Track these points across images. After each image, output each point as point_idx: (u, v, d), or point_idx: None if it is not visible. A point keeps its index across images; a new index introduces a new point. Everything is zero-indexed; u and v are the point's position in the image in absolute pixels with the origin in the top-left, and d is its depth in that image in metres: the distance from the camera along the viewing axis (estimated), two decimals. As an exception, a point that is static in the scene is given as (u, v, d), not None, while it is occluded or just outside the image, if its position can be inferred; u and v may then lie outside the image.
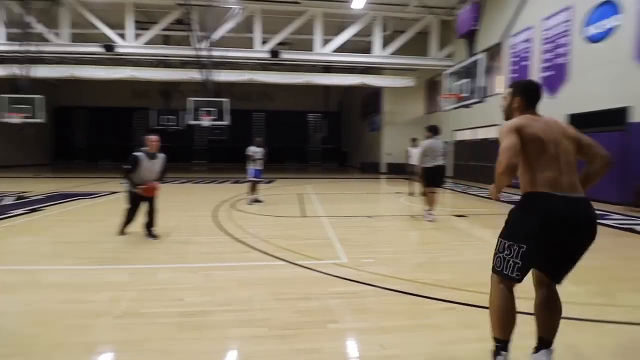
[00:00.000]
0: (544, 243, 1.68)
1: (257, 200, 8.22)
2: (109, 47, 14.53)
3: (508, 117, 1.99)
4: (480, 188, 11.85)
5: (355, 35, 16.87)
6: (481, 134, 13.90)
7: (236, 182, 12.95)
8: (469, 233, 5.54)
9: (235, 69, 15.64)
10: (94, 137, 28.04)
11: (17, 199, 8.25)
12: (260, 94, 29.17)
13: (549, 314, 1.82)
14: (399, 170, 13.82)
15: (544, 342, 1.80)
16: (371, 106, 21.63)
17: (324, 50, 15.04)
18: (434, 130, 6.29)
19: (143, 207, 4.63)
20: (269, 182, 14.00)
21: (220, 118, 14.74)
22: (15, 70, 14.15)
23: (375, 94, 20.48)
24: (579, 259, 1.75)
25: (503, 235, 1.80)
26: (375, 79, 16.11)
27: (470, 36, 8.47)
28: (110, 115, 27.73)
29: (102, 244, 4.45)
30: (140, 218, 4.65)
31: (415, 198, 9.30)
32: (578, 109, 9.18)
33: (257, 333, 2.26)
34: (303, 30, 16.39)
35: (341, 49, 16.75)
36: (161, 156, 4.79)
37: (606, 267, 3.70)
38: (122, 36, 14.60)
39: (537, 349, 1.82)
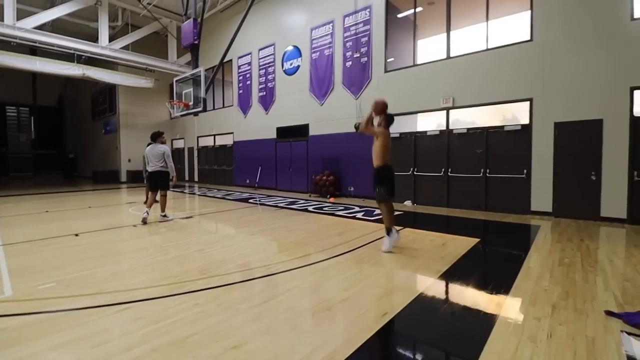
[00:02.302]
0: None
1: None
2: None
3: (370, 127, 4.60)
4: (219, 190, 13.01)
5: (76, 17, 13.94)
6: (219, 141, 15.25)
7: None
8: (185, 233, 5.96)
9: None
10: None
11: None
12: None
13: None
14: (141, 178, 12.67)
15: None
16: (104, 105, 18.54)
17: (22, 25, 11.34)
18: (152, 137, 6.68)
19: None
20: None
21: None
22: None
23: (109, 91, 17.74)
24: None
25: (379, 183, 4.41)
26: (102, 73, 13.92)
27: (193, 49, 9.07)
28: None
29: None
30: None
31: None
32: (282, 124, 12.00)
33: None
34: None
35: (48, 29, 13.32)
36: None
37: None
38: None
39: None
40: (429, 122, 8.67)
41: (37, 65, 12.15)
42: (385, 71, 9.14)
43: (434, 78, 8.27)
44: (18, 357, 2.10)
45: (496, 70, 7.31)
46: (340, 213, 7.39)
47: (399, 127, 9.00)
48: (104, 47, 13.31)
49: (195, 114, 9.06)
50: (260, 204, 8.99)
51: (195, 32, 8.56)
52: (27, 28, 11.41)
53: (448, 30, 8.03)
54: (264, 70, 12.65)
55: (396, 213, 7.35)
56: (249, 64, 13.30)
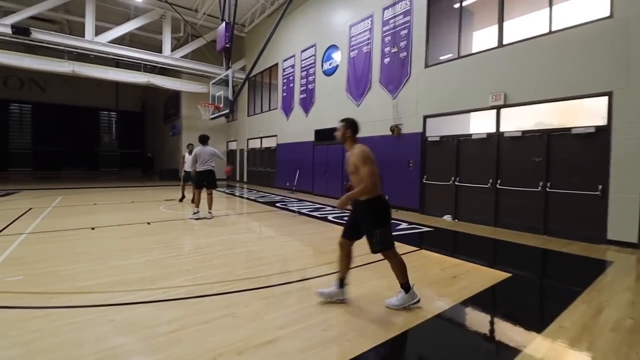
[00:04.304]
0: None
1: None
2: None
3: (342, 142, 2.94)
4: (258, 191, 13.10)
5: (145, 30, 15.53)
6: (265, 143, 15.46)
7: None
8: (192, 234, 5.85)
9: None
10: None
11: None
12: (25, 81, 22.51)
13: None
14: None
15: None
16: (172, 109, 20.41)
17: (98, 39, 13.00)
18: (203, 140, 7.19)
19: None
20: (4, 194, 10.87)
21: None
22: None
23: (176, 96, 19.45)
24: None
25: (375, 224, 2.73)
26: (164, 80, 15.22)
27: (226, 52, 9.19)
28: None
29: None
30: None
31: (180, 204, 9.27)
32: (320, 126, 11.54)
33: None
34: (72, 9, 13.75)
35: (127, 43, 15.04)
36: None
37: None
38: None
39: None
40: (475, 124, 7.35)
41: (109, 74, 13.76)
42: (426, 66, 8.05)
43: (482, 71, 6.96)
44: None
45: (562, 58, 5.78)
46: (359, 225, 6.61)
47: (439, 129, 7.85)
48: (166, 56, 14.54)
49: (227, 116, 9.16)
50: (283, 209, 8.64)
51: (227, 35, 8.67)
52: (103, 42, 13.00)
53: (501, 10, 6.67)
54: (305, 72, 12.39)
55: (424, 229, 6.33)
56: (292, 66, 13.18)
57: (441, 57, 7.94)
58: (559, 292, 3.55)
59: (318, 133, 11.57)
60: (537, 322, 2.72)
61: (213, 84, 10.21)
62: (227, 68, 9.25)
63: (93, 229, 5.89)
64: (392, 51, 8.74)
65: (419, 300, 2.85)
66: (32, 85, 22.71)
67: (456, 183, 7.40)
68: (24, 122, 23.41)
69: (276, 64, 14.42)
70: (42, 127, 23.59)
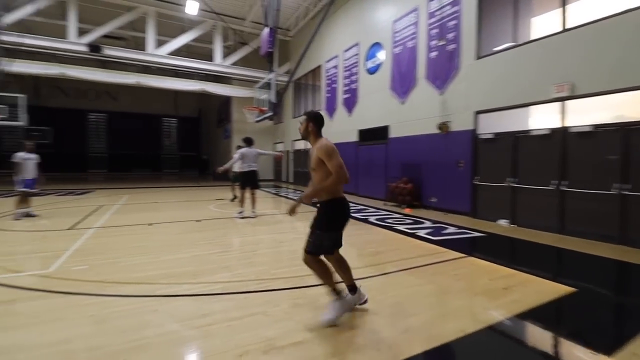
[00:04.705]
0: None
1: (29, 215, 7.05)
2: None
3: (305, 137, 2.72)
4: (302, 191, 13.23)
5: (198, 41, 16.62)
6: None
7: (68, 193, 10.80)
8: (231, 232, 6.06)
9: (43, 61, 13.16)
10: None
11: None
12: (100, 92, 25.43)
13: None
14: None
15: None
16: (224, 114, 21.59)
17: (158, 52, 14.23)
18: (249, 141, 7.49)
19: None
20: (83, 193, 12.32)
21: (14, 117, 12.09)
22: None
23: (227, 102, 20.54)
24: None
25: (325, 228, 2.51)
26: (216, 87, 16.14)
27: (269, 57, 9.44)
28: None
29: None
30: None
31: (231, 203, 9.71)
32: (364, 126, 11.34)
33: None
34: (138, 26, 15.21)
35: (183, 54, 16.24)
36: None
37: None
38: None
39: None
40: (535, 118, 6.64)
41: (168, 83, 14.96)
42: (477, 57, 7.47)
43: (543, 60, 6.26)
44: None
45: (644, 38, 4.96)
46: (401, 228, 6.34)
47: (492, 126, 7.24)
48: (217, 64, 15.42)
49: (271, 118, 9.41)
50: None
51: (270, 40, 8.89)
52: (162, 54, 14.19)
53: (566, -6, 5.94)
54: (348, 72, 12.27)
55: (475, 235, 5.86)
56: (335, 67, 13.14)
57: (495, 48, 7.31)
58: (636, 312, 3.02)
59: (362, 133, 11.38)
60: (605, 347, 2.32)
61: (258, 87, 10.57)
62: (271, 72, 9.51)
63: (150, 225, 6.41)
64: (439, 44, 8.26)
65: (366, 299, 2.81)
66: (107, 96, 25.60)
67: (513, 185, 6.75)
68: (100, 129, 26.52)
69: (319, 66, 14.51)
70: (115, 133, 26.49)
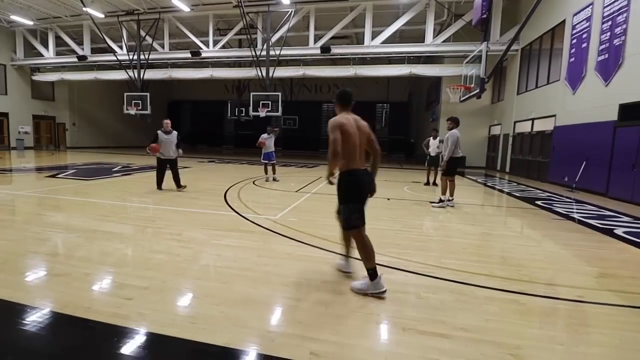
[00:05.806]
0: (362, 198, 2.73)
1: (274, 179, 9.71)
2: (195, 53, 17.82)
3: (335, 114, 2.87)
4: (520, 184, 10.93)
5: (409, 24, 16.66)
6: (537, 126, 12.52)
7: (303, 166, 14.74)
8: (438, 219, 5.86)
9: (292, 66, 17.25)
10: (195, 125, 34.81)
11: (122, 167, 12.34)
12: (330, 86, 30.64)
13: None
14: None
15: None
16: (433, 96, 20.87)
17: (373, 43, 15.41)
18: (456, 122, 6.51)
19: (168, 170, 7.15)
20: (313, 167, 15.42)
21: (275, 109, 16.70)
22: (130, 73, 18.60)
23: (437, 83, 19.70)
24: None
25: (344, 200, 2.68)
26: (423, 68, 15.71)
27: (483, 25, 8.05)
28: (206, 107, 34.05)
29: (146, 193, 6.75)
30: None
31: (424, 188, 9.46)
32: (631, 98, 7.86)
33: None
34: (357, 22, 17.05)
35: (394, 39, 16.83)
36: (174, 133, 6.75)
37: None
38: (205, 43, 17.70)
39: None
40: None
41: (380, 71, 15.96)
42: None
43: None
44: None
45: None
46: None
47: None
48: (428, 44, 14.93)
49: (478, 96, 8.19)
50: (544, 208, 6.76)
51: (485, 5, 7.57)
52: (377, 44, 15.25)
53: None
54: (609, 22, 8.74)
55: None
56: (588, 18, 9.66)
57: None
58: None
59: (627, 108, 7.97)
60: None
61: (466, 63, 9.41)
62: (484, 42, 8.18)
63: (388, 199, 7.28)
64: None
65: (384, 292, 2.60)
66: (335, 88, 30.49)
67: None
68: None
69: (562, 22, 11.14)
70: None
